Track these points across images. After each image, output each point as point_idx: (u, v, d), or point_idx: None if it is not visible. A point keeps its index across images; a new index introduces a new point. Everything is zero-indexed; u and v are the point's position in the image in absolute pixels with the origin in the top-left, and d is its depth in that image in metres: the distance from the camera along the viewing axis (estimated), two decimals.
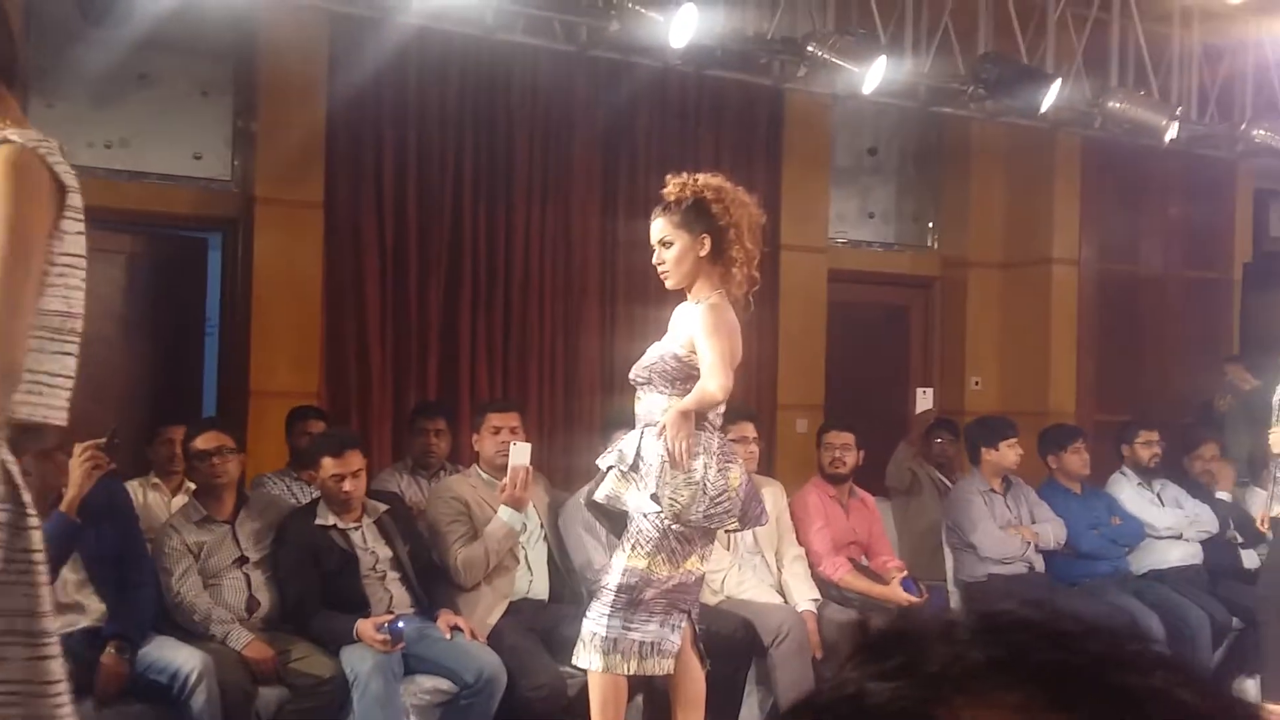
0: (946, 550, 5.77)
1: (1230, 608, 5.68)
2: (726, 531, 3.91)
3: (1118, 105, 6.38)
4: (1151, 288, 7.89)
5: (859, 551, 5.46)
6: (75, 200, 2.10)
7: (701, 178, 3.67)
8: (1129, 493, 6.10)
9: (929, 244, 8.04)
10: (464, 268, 6.14)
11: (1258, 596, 5.24)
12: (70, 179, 2.08)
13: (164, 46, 5.43)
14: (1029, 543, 5.62)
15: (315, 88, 5.76)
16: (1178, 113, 6.41)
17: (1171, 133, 6.39)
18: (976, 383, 7.88)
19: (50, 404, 2.09)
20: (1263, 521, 5.37)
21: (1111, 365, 7.64)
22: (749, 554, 5.17)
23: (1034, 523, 5.73)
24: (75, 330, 2.13)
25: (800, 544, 5.31)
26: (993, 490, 5.71)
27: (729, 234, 3.63)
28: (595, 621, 3.64)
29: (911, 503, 6.09)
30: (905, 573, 5.29)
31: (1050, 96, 6.13)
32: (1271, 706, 5.01)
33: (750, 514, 3.79)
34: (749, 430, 5.07)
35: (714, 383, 3.50)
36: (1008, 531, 5.61)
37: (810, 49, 5.69)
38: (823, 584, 5.23)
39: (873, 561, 5.43)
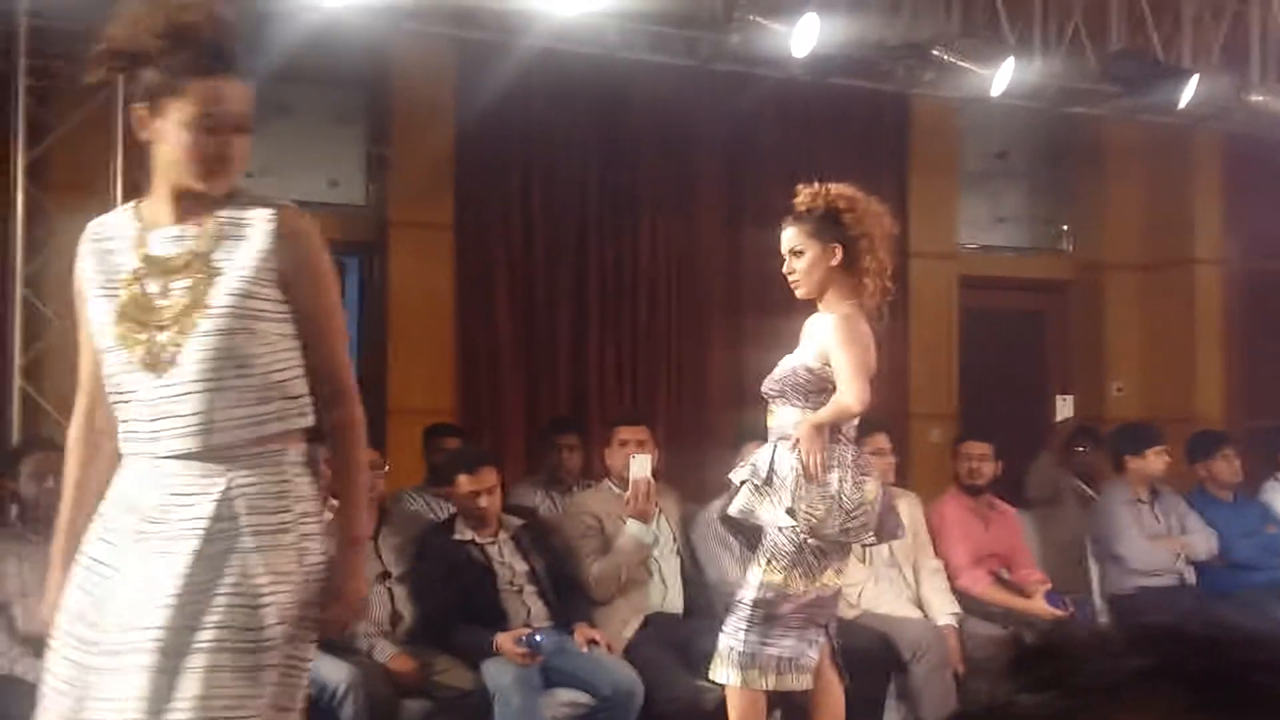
0: (1092, 562, 5.61)
1: None
2: (863, 545, 3.86)
3: (1259, 99, 6.15)
4: None
5: (999, 564, 5.33)
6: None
7: (834, 187, 3.64)
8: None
9: (1063, 247, 7.84)
10: (591, 283, 6.20)
11: None
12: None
13: (300, 77, 5.61)
14: (1179, 554, 5.42)
15: (444, 112, 5.88)
16: None
17: None
18: (1119, 388, 7.65)
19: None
20: None
21: (1261, 368, 7.34)
22: (886, 567, 5.10)
23: (1184, 533, 5.53)
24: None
25: (938, 557, 5.22)
26: (1139, 500, 5.53)
27: (861, 244, 3.59)
28: (732, 636, 3.63)
29: (1054, 514, 5.92)
30: (1049, 586, 5.16)
31: (1188, 92, 5.93)
32: None
33: (886, 527, 3.74)
34: (883, 442, 5.00)
35: (851, 395, 3.46)
36: (1156, 542, 5.42)
37: (936, 53, 5.62)
38: (963, 597, 5.13)
39: (1014, 574, 5.30)
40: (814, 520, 3.53)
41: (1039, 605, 5.00)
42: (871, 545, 3.98)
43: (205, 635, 2.14)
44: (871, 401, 3.57)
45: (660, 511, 4.79)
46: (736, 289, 6.51)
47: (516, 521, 4.51)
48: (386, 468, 4.59)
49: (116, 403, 2.26)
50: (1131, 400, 7.55)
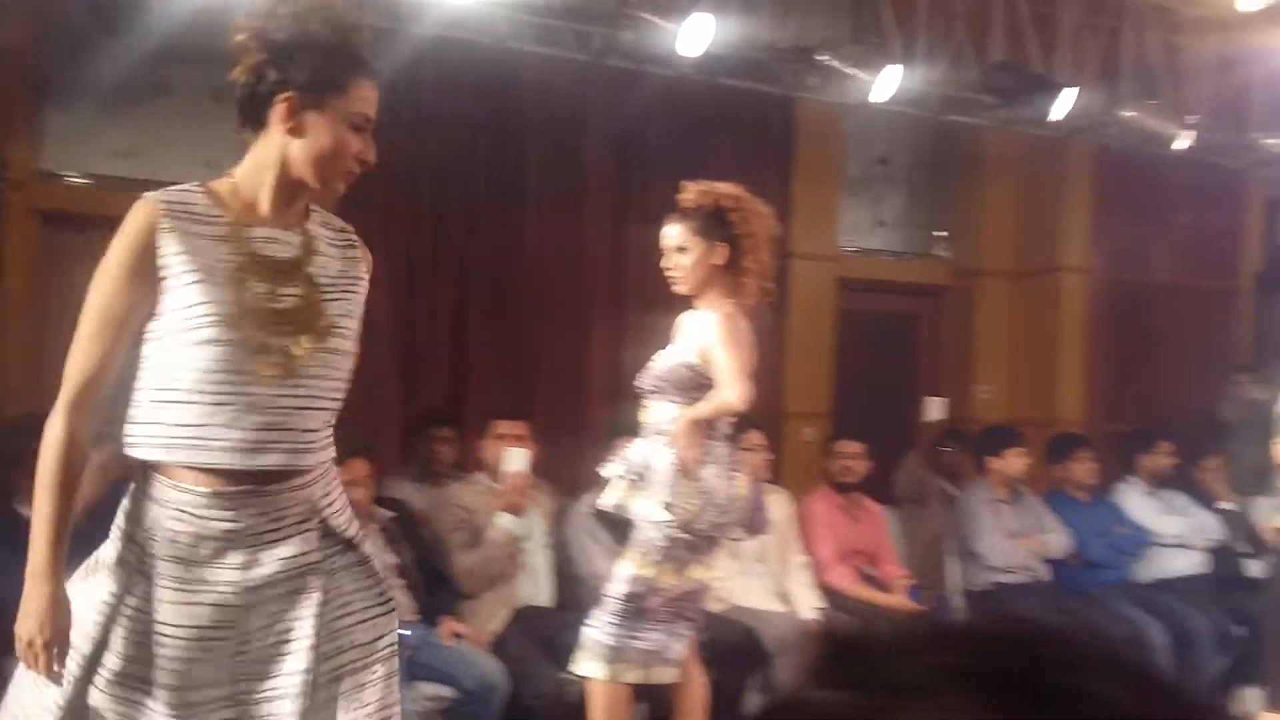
0: (952, 559, 5.78)
1: (1235, 617, 5.68)
2: (732, 540, 3.93)
3: (1130, 114, 6.39)
4: (1161, 297, 7.88)
5: (865, 560, 5.48)
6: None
7: (721, 186, 3.69)
8: (1135, 501, 6.11)
9: (939, 253, 8.04)
10: (474, 275, 6.17)
11: (1263, 606, 5.23)
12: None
13: (178, 57, 5.47)
14: (1035, 552, 5.63)
15: None
16: (1189, 121, 6.40)
17: (1182, 142, 6.39)
18: (986, 391, 7.89)
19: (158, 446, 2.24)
20: (1266, 532, 5.38)
21: (1120, 374, 7.64)
22: (753, 562, 5.19)
23: (1040, 532, 5.74)
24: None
25: (806, 552, 5.33)
26: (999, 499, 5.72)
27: (745, 244, 3.65)
28: (599, 629, 3.66)
29: (919, 512, 6.11)
30: (911, 582, 5.31)
31: (1063, 105, 6.14)
32: (1273, 716, 5.02)
33: (755, 523, 3.82)
34: (756, 439, 5.08)
35: (733, 392, 3.52)
36: (1014, 541, 5.62)
37: (822, 58, 5.72)
38: (827, 592, 5.25)
39: (878, 570, 5.45)
40: (687, 515, 3.58)
41: (900, 600, 5.15)
42: (740, 540, 4.05)
43: (350, 657, 2.19)
44: (751, 399, 3.63)
45: (533, 505, 4.81)
46: (620, 284, 6.54)
47: (386, 514, 4.48)
48: None
49: (190, 404, 2.06)
50: (998, 403, 7.80)
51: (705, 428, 3.60)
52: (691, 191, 3.67)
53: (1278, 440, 4.97)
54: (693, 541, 3.63)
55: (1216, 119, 6.93)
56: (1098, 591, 5.71)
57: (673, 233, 3.69)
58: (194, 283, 2.08)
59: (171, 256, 2.08)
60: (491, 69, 5.99)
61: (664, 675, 3.73)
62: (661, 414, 3.65)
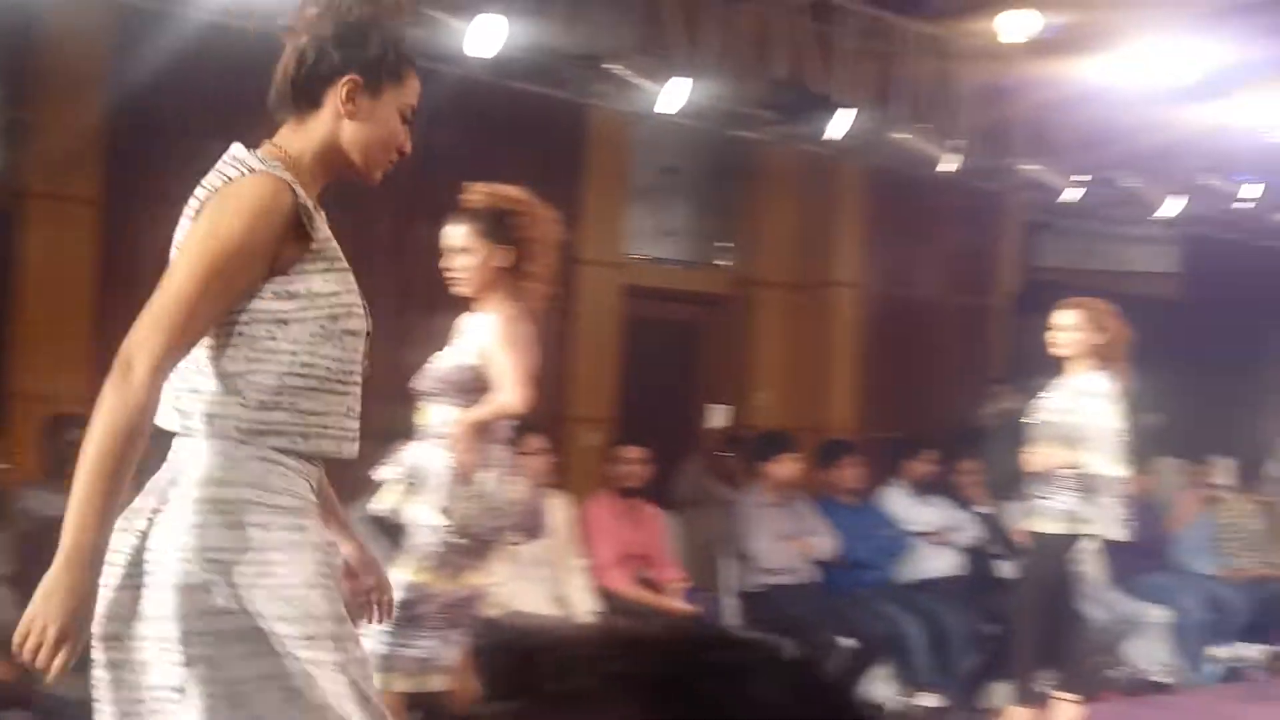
0: (726, 561, 5.93)
1: (988, 616, 6.02)
2: (509, 545, 3.92)
3: (900, 137, 6.69)
4: (926, 311, 8.30)
5: (643, 564, 5.56)
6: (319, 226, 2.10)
7: (507, 189, 3.68)
8: (899, 505, 6.41)
9: (722, 263, 8.24)
10: None
11: (1014, 606, 5.58)
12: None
13: None
14: (804, 554, 5.83)
15: (95, 79, 5.49)
16: (953, 146, 6.75)
17: (949, 165, 6.73)
18: (763, 398, 8.13)
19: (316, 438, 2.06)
20: (1017, 535, 5.72)
21: (888, 384, 8.00)
22: (531, 566, 5.18)
23: (810, 534, 5.95)
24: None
25: (585, 556, 5.37)
26: (772, 503, 5.91)
27: (530, 248, 3.64)
28: (371, 638, 3.59)
29: (697, 516, 6.25)
30: (686, 584, 5.43)
31: (839, 125, 6.38)
32: (1023, 711, 5.35)
33: (533, 527, 3.82)
34: (536, 443, 5.09)
35: (513, 395, 3.50)
36: (784, 543, 5.81)
37: (610, 66, 5.77)
38: (604, 596, 5.30)
39: (655, 574, 5.54)
40: (464, 519, 3.55)
41: (675, 603, 5.25)
42: (518, 545, 4.04)
43: None
44: (532, 403, 3.63)
45: None
46: (406, 285, 6.43)
47: None
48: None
49: (320, 391, 2.01)
50: (774, 410, 8.05)
51: (484, 431, 3.58)
52: (476, 193, 3.65)
53: (1029, 448, 5.30)
54: (469, 546, 3.60)
55: (980, 145, 7.34)
56: (862, 592, 5.96)
57: (456, 234, 3.65)
58: (328, 270, 2.03)
59: (314, 241, 2.02)
60: (273, 59, 5.80)
61: (437, 683, 3.68)
62: (439, 416, 3.60)
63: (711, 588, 5.86)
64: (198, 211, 2.03)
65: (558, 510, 5.36)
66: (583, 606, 5.16)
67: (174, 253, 2.05)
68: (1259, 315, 9.96)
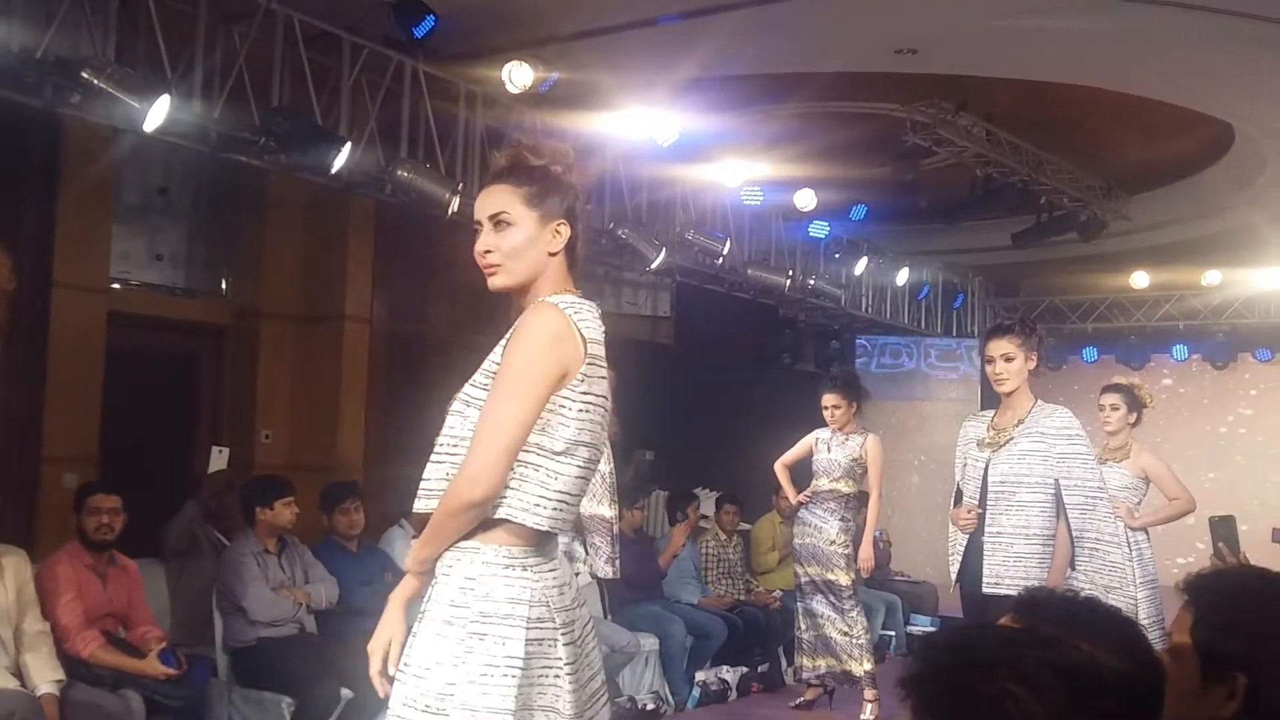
0: (216, 615, 5.54)
1: None
2: None
3: (405, 174, 6.64)
4: (436, 348, 8.30)
5: (116, 624, 5.06)
6: (596, 350, 2.42)
7: None
8: (402, 546, 6.30)
9: (221, 291, 7.79)
10: None
11: None
12: (591, 333, 2.42)
13: None
14: (300, 604, 5.57)
15: None
16: (460, 187, 6.81)
17: (455, 205, 6.78)
18: (267, 436, 7.75)
19: (547, 515, 2.36)
20: None
21: (397, 421, 7.91)
22: None
23: (308, 582, 5.69)
24: (584, 455, 2.42)
25: (46, 619, 4.79)
26: (267, 550, 5.60)
27: None
28: None
29: (187, 565, 5.79)
30: (165, 643, 4.99)
31: (341, 158, 6.23)
32: None
33: None
34: None
35: None
36: (279, 592, 5.52)
37: (85, 75, 5.26)
38: (71, 662, 4.76)
39: (131, 633, 5.06)
40: None
41: (152, 665, 4.82)
42: None
43: None
44: None
45: None
46: None
47: None
48: None
49: (581, 477, 2.43)
50: (280, 448, 7.70)
51: None
52: None
53: None
54: None
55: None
56: (362, 639, 5.75)
57: None
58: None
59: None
60: None
61: None
62: None
63: (204, 643, 5.44)
64: None
65: (12, 568, 4.75)
66: (44, 676, 4.58)
67: None
68: (737, 359, 10.93)
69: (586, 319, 2.42)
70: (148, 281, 7.38)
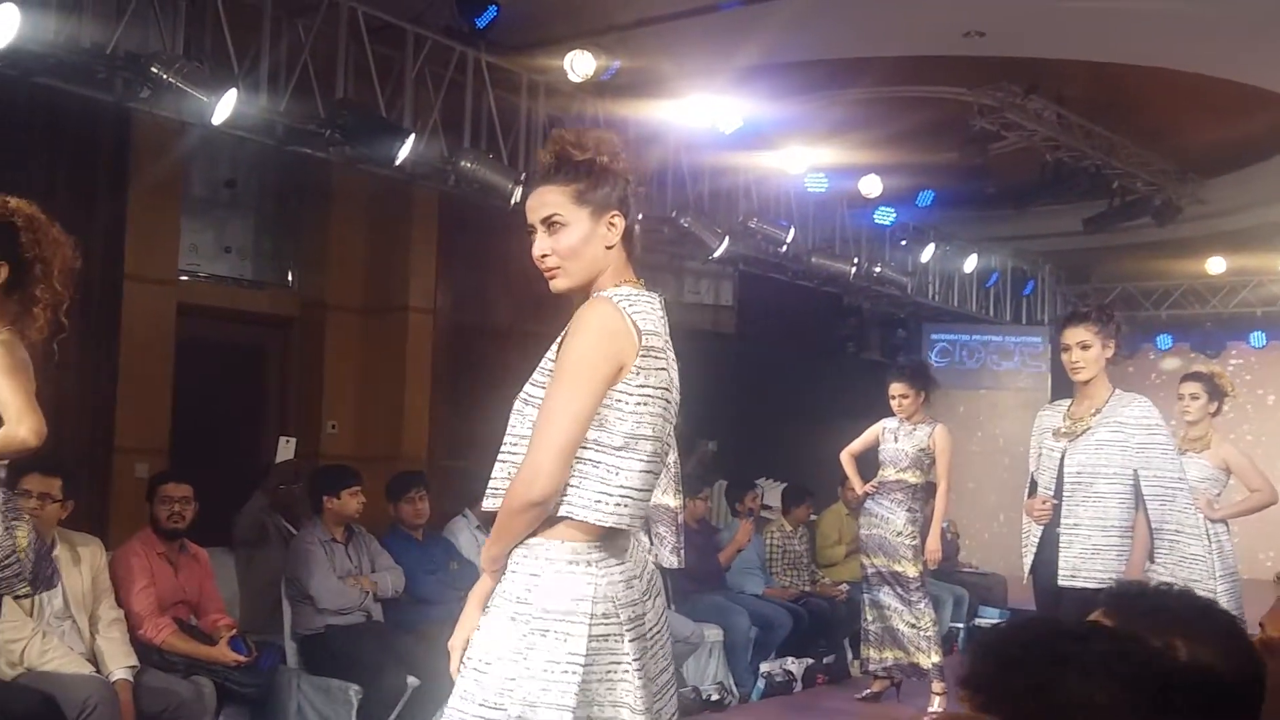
0: (285, 603, 5.59)
1: None
2: (16, 598, 3.44)
3: (468, 165, 6.66)
4: (498, 339, 8.32)
5: (187, 611, 5.13)
6: (652, 342, 2.36)
7: (13, 201, 3.28)
8: (466, 536, 6.33)
9: (288, 283, 7.87)
10: None
11: None
12: (646, 324, 2.36)
13: None
14: (367, 592, 5.60)
15: None
16: (522, 177, 6.81)
17: (517, 196, 6.78)
18: (333, 426, 7.82)
19: (610, 510, 2.33)
20: None
21: (461, 412, 7.94)
22: (57, 620, 4.65)
23: (374, 571, 5.73)
24: (648, 449, 2.36)
25: (120, 606, 4.87)
26: (334, 539, 5.64)
27: (35, 269, 3.26)
28: None
29: (256, 554, 5.86)
30: (235, 630, 5.05)
31: (404, 150, 6.25)
32: None
33: (42, 576, 3.38)
34: (52, 487, 4.56)
35: (27, 427, 3.07)
36: (347, 581, 5.56)
37: (155, 70, 5.32)
38: (144, 648, 4.83)
39: (202, 620, 5.13)
40: None
41: (223, 651, 4.87)
42: (25, 597, 3.56)
43: None
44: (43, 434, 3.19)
45: None
46: None
47: None
48: None
49: (638, 470, 2.36)
50: (345, 439, 7.77)
51: None
52: None
53: None
54: None
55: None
56: (429, 628, 5.80)
57: None
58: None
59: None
60: None
61: None
62: None
63: (272, 631, 5.50)
64: None
65: (88, 557, 4.83)
66: (118, 662, 4.66)
67: None
68: (800, 347, 10.85)
69: (642, 310, 2.37)
70: (216, 274, 7.47)
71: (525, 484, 2.27)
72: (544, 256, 2.43)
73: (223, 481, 5.95)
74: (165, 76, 5.32)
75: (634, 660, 2.33)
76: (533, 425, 2.33)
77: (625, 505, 2.33)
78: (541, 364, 2.38)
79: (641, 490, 2.37)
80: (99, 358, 6.56)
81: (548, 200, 2.43)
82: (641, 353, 2.33)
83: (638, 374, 2.33)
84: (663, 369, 2.39)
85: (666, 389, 2.40)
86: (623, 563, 2.38)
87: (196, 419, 7.01)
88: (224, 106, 5.50)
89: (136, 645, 4.81)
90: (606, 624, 2.31)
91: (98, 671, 4.61)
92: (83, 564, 4.81)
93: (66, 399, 6.08)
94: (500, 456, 2.40)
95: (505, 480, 2.36)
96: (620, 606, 2.34)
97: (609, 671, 2.31)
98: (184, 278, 7.15)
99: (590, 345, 2.29)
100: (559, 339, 2.37)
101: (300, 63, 5.97)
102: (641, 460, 2.35)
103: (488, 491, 2.39)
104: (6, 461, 3.27)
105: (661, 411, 2.37)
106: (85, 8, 5.25)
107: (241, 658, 4.84)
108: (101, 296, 6.46)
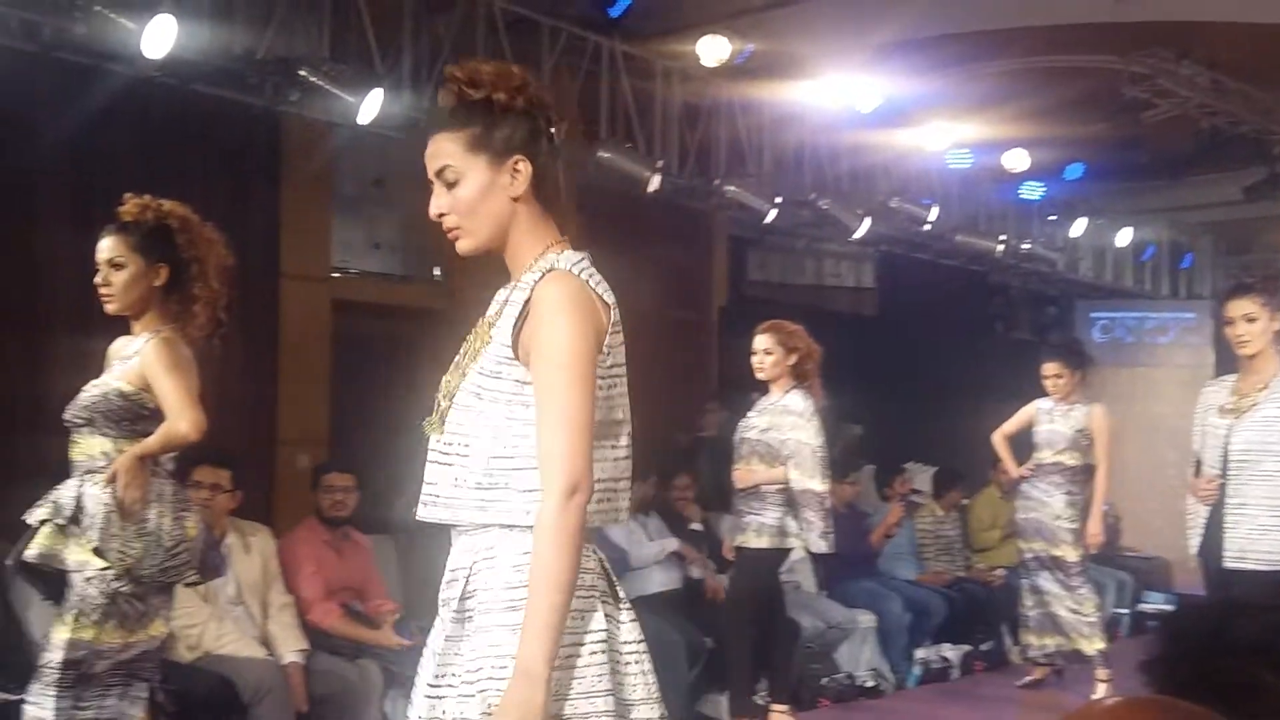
0: None
1: (704, 630, 6.05)
2: (186, 585, 3.60)
3: (606, 155, 6.69)
4: (639, 327, 8.32)
5: (352, 596, 5.28)
6: (616, 315, 2.09)
7: (166, 204, 3.43)
8: (615, 527, 6.36)
9: (435, 277, 8.03)
10: None
11: (724, 619, 5.63)
12: (609, 296, 2.10)
13: None
14: None
15: None
16: (659, 166, 6.82)
17: (654, 184, 6.79)
18: None
19: (601, 507, 2.06)
20: (727, 550, 5.79)
21: None
22: (230, 605, 4.85)
23: None
24: (623, 434, 2.12)
25: (289, 591, 5.06)
26: None
27: (191, 269, 3.41)
28: (38, 705, 3.21)
29: (416, 541, 6.00)
30: (398, 615, 5.19)
31: None
32: None
33: (210, 564, 3.53)
34: (222, 478, 4.75)
35: (187, 421, 3.21)
36: None
37: (303, 73, 5.49)
38: (313, 632, 5.01)
39: (366, 605, 5.28)
40: (129, 561, 3.24)
41: (387, 635, 5.01)
42: (195, 584, 3.72)
43: None
44: (203, 428, 3.32)
45: None
46: (87, 304, 5.90)
47: None
48: None
49: (623, 458, 2.14)
50: None
51: (149, 464, 3.26)
52: (131, 204, 3.39)
53: (739, 464, 5.38)
54: (139, 592, 3.28)
55: (685, 165, 7.45)
56: None
57: (107, 246, 3.37)
58: None
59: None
60: None
61: None
62: (92, 449, 3.28)
63: (433, 616, 5.62)
64: None
65: (258, 545, 5.03)
66: (289, 646, 4.84)
67: None
68: (945, 328, 10.62)
69: (598, 277, 2.11)
70: (367, 270, 7.67)
71: (565, 497, 1.93)
72: (440, 216, 2.17)
73: (382, 471, 6.11)
74: (312, 79, 5.48)
75: (640, 643, 2.11)
76: (490, 423, 2.03)
77: (607, 500, 2.07)
78: (489, 350, 2.08)
79: (621, 481, 2.10)
80: (259, 354, 6.80)
81: (440, 150, 2.13)
82: (611, 329, 2.07)
83: (609, 354, 2.07)
84: (623, 343, 2.12)
85: (624, 364, 2.14)
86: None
87: (353, 410, 7.22)
88: (369, 106, 5.64)
89: (305, 629, 4.99)
90: (608, 604, 2.09)
91: (270, 655, 4.80)
92: (253, 551, 5.01)
93: (230, 394, 6.30)
94: (442, 458, 2.07)
95: (453, 487, 2.05)
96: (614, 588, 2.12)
97: (629, 661, 2.09)
98: (336, 275, 7.35)
99: (573, 326, 2.01)
100: (506, 321, 2.08)
101: (440, 60, 6.07)
102: (620, 449, 2.10)
103: (424, 498, 2.08)
104: (173, 455, 3.42)
105: (626, 389, 2.13)
106: (236, 15, 5.44)
107: (406, 641, 4.97)
108: (260, 295, 6.69)
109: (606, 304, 2.08)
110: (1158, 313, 12.02)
